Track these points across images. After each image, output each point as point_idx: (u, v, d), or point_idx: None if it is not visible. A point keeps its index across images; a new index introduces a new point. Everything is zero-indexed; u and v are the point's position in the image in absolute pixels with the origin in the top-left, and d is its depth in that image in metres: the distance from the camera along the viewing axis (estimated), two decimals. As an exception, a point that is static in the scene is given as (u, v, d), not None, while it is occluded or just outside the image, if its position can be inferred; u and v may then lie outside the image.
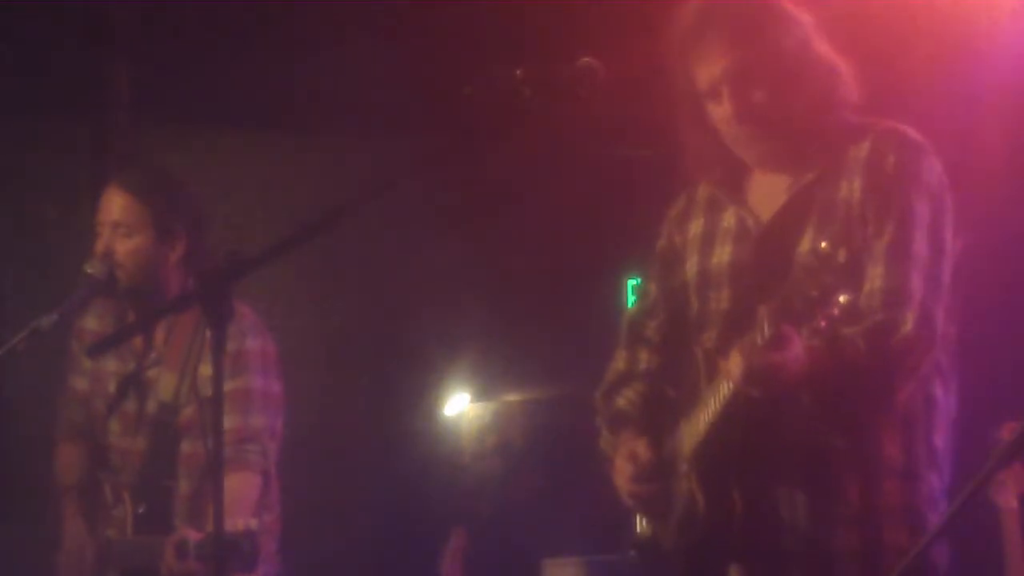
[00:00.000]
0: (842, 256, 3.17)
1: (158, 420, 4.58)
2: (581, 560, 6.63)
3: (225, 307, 3.14)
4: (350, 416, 7.03)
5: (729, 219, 3.71)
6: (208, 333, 3.15)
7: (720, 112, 3.60)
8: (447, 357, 7.39)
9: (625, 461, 3.71)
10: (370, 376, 7.19)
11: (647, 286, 3.93)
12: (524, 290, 7.23)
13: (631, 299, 6.91)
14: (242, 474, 4.47)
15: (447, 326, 7.28)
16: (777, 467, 3.51)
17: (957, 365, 3.63)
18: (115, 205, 4.57)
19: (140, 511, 4.51)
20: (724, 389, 3.41)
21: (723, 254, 3.68)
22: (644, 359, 3.88)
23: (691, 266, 3.76)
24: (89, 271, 4.51)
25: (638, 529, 3.84)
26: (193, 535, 4.21)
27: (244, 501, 4.40)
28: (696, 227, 3.78)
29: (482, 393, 7.52)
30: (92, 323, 4.72)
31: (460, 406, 7.51)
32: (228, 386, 4.38)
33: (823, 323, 3.18)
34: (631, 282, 7.06)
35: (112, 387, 4.67)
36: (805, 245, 3.50)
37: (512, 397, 7.52)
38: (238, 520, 4.04)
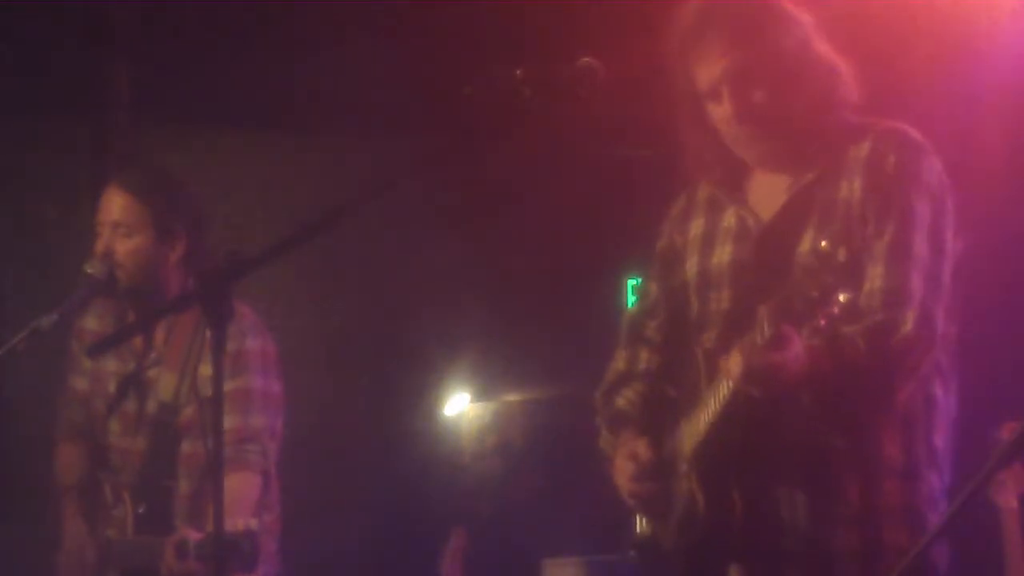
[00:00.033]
0: (842, 255, 3.17)
1: (158, 420, 4.58)
2: (581, 560, 6.63)
3: (225, 307, 3.14)
4: (350, 416, 7.03)
5: (729, 219, 3.71)
6: (208, 333, 3.15)
7: (720, 112, 3.60)
8: (447, 357, 7.39)
9: (626, 460, 3.71)
10: (370, 376, 7.19)
11: (647, 286, 3.94)
12: (524, 290, 7.23)
13: (631, 299, 6.91)
14: (242, 474, 4.47)
15: (447, 326, 7.28)
16: (777, 467, 3.51)
17: (957, 365, 3.63)
18: (115, 205, 4.57)
19: (140, 511, 4.51)
20: (724, 389, 3.41)
21: (723, 254, 3.68)
22: (644, 359, 3.88)
23: (691, 266, 3.76)
24: (89, 271, 4.51)
25: (638, 529, 3.84)
26: (193, 535, 4.21)
27: (244, 501, 4.40)
28: (696, 227, 3.78)
29: (482, 393, 7.52)
30: (92, 323, 4.72)
31: (460, 406, 7.51)
32: (228, 386, 4.38)
33: (823, 322, 3.19)
34: (631, 282, 7.06)
35: (112, 387, 4.67)
36: (805, 245, 3.50)
37: (512, 397, 7.52)
38: (238, 520, 4.04)
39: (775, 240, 3.59)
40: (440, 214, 7.04)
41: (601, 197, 7.11)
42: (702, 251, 3.74)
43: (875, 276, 3.45)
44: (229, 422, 4.35)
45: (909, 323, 3.41)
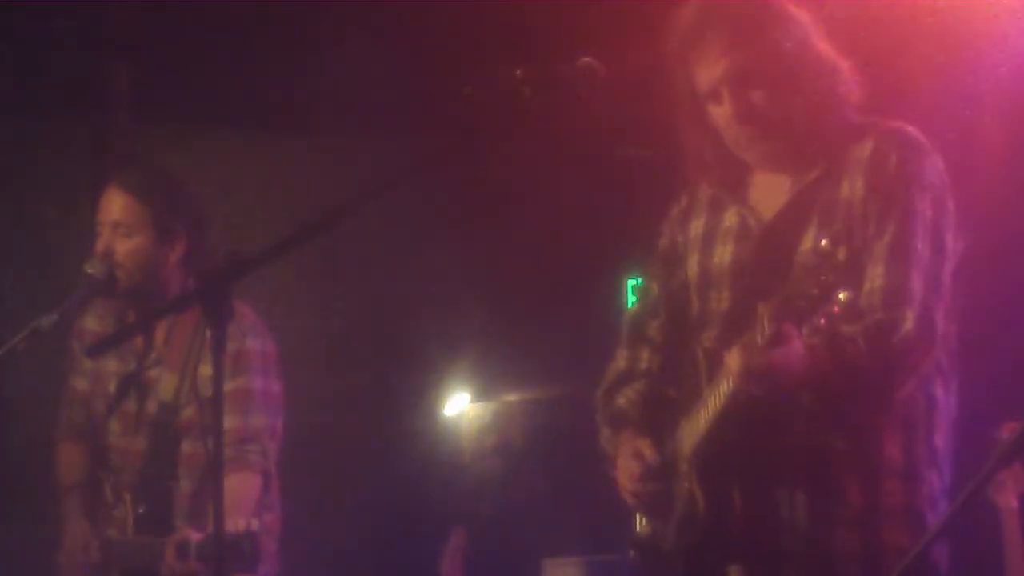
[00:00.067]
0: (843, 254, 3.17)
1: (158, 420, 4.58)
2: (581, 560, 6.63)
3: (225, 307, 3.14)
4: (350, 416, 7.03)
5: (731, 218, 3.71)
6: (208, 333, 3.15)
7: (720, 113, 3.60)
8: (447, 357, 7.39)
9: (630, 460, 3.71)
10: (370, 376, 7.19)
11: (648, 285, 3.93)
12: (524, 290, 7.23)
13: (631, 299, 6.91)
14: (242, 474, 4.47)
15: (447, 326, 7.28)
16: (777, 467, 3.51)
17: (957, 365, 3.63)
18: (115, 205, 4.58)
19: (140, 511, 4.52)
20: (725, 387, 3.41)
21: (724, 253, 3.68)
22: (645, 358, 3.88)
23: (692, 265, 3.76)
24: (89, 271, 4.51)
25: (638, 529, 3.84)
26: (194, 535, 4.21)
27: (244, 501, 4.41)
28: (697, 226, 3.78)
29: (482, 393, 7.52)
30: (92, 323, 4.72)
31: (460, 406, 7.51)
32: (228, 386, 4.39)
33: (823, 321, 3.19)
34: (631, 282, 7.05)
35: (112, 387, 4.67)
36: (806, 244, 3.50)
37: (512, 397, 7.52)
38: (239, 520, 4.05)
39: (776, 239, 3.59)
40: (440, 214, 7.04)
41: (601, 197, 7.11)
42: (703, 250, 3.74)
43: (875, 276, 3.45)
44: (229, 422, 4.35)
45: (909, 323, 3.41)
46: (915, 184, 3.52)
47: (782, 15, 3.60)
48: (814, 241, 3.41)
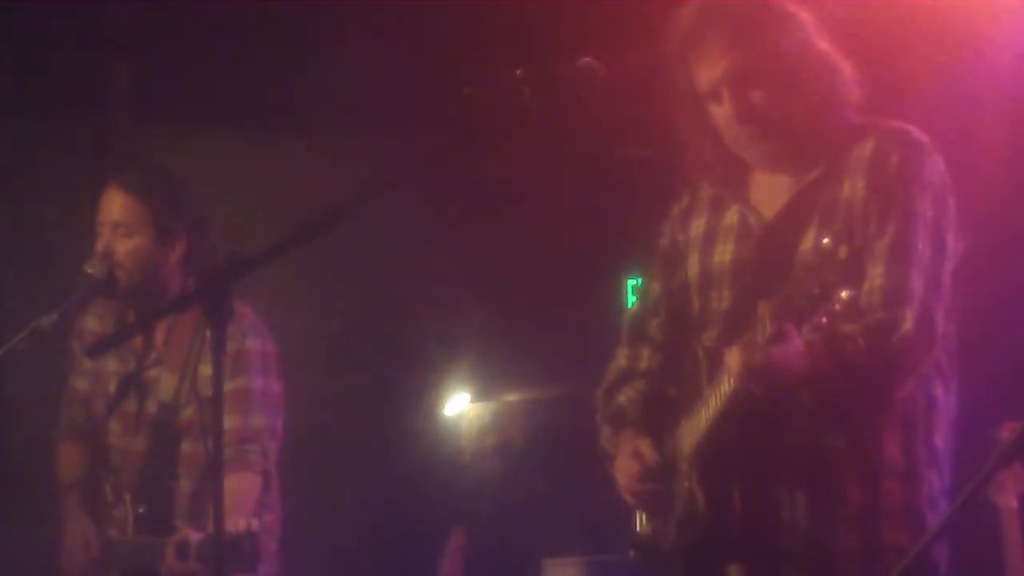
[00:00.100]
0: (844, 253, 3.18)
1: (158, 420, 4.58)
2: (581, 560, 6.63)
3: (225, 307, 3.14)
4: (350, 416, 7.03)
5: (732, 217, 3.71)
6: (208, 333, 3.15)
7: (721, 112, 3.60)
8: (447, 357, 7.38)
9: (630, 459, 3.71)
10: (370, 376, 7.19)
11: (649, 285, 3.93)
12: (524, 290, 7.22)
13: (631, 299, 6.91)
14: (242, 474, 4.48)
15: (447, 326, 7.27)
16: (777, 467, 3.51)
17: (957, 365, 3.63)
18: (115, 205, 4.58)
19: (141, 511, 4.52)
20: (725, 386, 3.41)
21: (725, 252, 3.68)
22: (646, 357, 3.88)
23: (693, 264, 3.76)
24: (89, 271, 4.51)
25: (638, 528, 3.84)
26: (194, 535, 4.22)
27: (244, 501, 4.41)
28: (698, 225, 3.78)
29: (482, 393, 7.51)
30: (92, 323, 4.72)
31: (460, 406, 7.50)
32: (228, 386, 4.39)
33: (825, 319, 3.19)
34: (631, 282, 7.05)
35: (112, 387, 4.67)
36: (807, 243, 3.50)
37: (512, 397, 7.51)
38: (239, 520, 4.05)
39: (777, 239, 3.59)
40: (440, 214, 7.03)
41: (601, 197, 7.10)
42: (703, 249, 3.74)
43: (875, 275, 3.45)
44: (229, 422, 4.35)
45: (909, 322, 3.41)
46: (916, 184, 3.52)
47: (782, 15, 3.59)
48: (815, 240, 3.42)
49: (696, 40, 3.59)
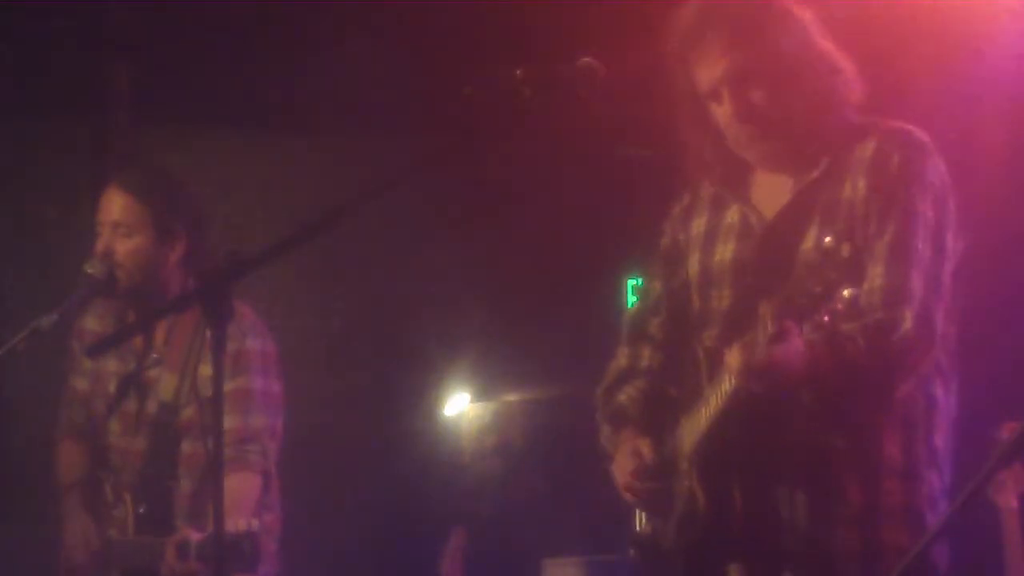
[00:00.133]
0: (846, 251, 3.17)
1: (158, 420, 4.58)
2: (581, 560, 6.63)
3: (225, 307, 3.14)
4: (350, 416, 7.03)
5: (733, 216, 3.71)
6: (208, 333, 3.15)
7: (721, 112, 3.60)
8: (447, 357, 7.39)
9: (627, 457, 3.72)
10: (370, 376, 7.19)
11: (650, 284, 3.93)
12: (524, 290, 7.22)
13: (631, 299, 6.91)
14: (242, 474, 4.47)
15: (447, 326, 7.28)
16: (778, 466, 3.51)
17: (957, 365, 3.63)
18: (115, 205, 4.58)
19: (141, 511, 4.52)
20: (726, 385, 3.41)
21: (726, 251, 3.68)
22: (646, 356, 3.88)
23: (693, 263, 3.75)
24: (89, 271, 4.51)
25: (638, 527, 3.84)
26: (194, 536, 4.22)
27: (244, 501, 4.41)
28: (699, 224, 3.78)
29: (482, 393, 7.52)
30: (92, 323, 4.72)
31: (460, 406, 7.51)
32: (228, 386, 4.39)
33: (826, 318, 3.19)
34: (631, 282, 7.05)
35: (112, 387, 4.67)
36: (809, 242, 3.50)
37: (512, 397, 7.51)
38: (239, 520, 4.05)
39: (778, 238, 3.59)
40: (440, 214, 7.04)
41: (601, 197, 7.11)
42: (704, 248, 3.74)
43: (875, 275, 3.45)
44: (229, 422, 4.35)
45: (908, 322, 3.41)
46: (917, 184, 3.52)
47: (783, 14, 3.59)
48: (816, 239, 3.42)
49: (696, 40, 3.59)
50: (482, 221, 7.10)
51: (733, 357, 3.34)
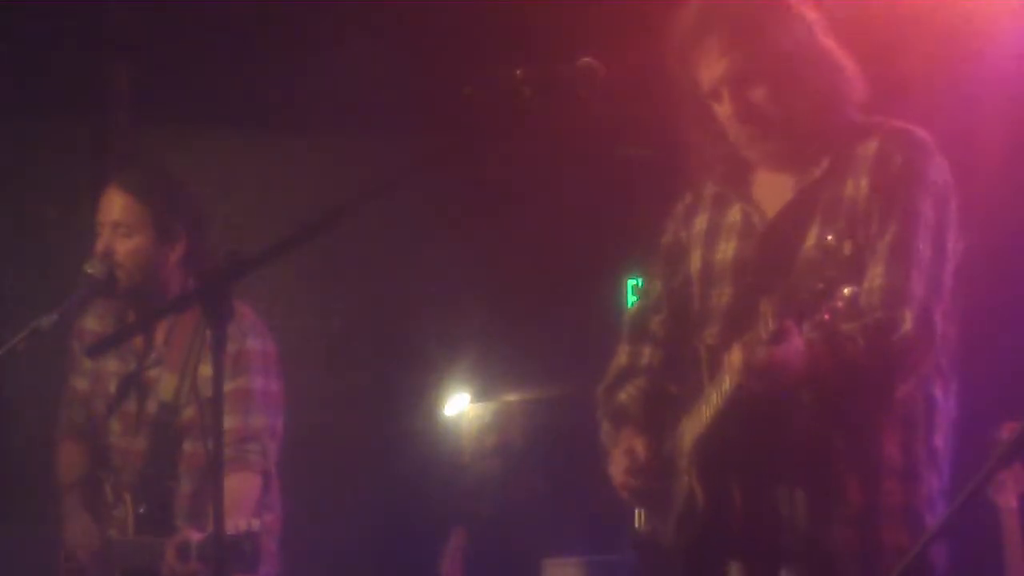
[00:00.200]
0: (847, 249, 3.17)
1: (158, 420, 4.58)
2: (581, 560, 6.63)
3: (225, 307, 3.14)
4: (350, 416, 7.03)
5: (734, 215, 3.71)
6: (208, 333, 3.15)
7: (722, 112, 3.60)
8: (447, 357, 7.39)
9: (622, 455, 3.72)
10: (370, 376, 7.19)
11: (651, 282, 3.93)
12: (524, 290, 7.23)
13: (631, 299, 6.91)
14: (242, 474, 4.48)
15: (447, 326, 7.28)
16: (777, 465, 3.51)
17: (957, 366, 3.63)
18: (115, 205, 4.58)
19: (141, 511, 4.52)
20: (726, 384, 3.41)
21: (727, 249, 3.68)
22: (647, 354, 3.88)
23: (695, 260, 3.75)
24: (89, 271, 4.51)
25: (637, 526, 3.84)
26: (195, 536, 4.21)
27: (245, 501, 4.41)
28: (701, 222, 3.78)
29: (482, 393, 7.52)
30: (92, 323, 4.72)
31: (460, 406, 7.51)
32: (228, 386, 4.38)
33: (827, 316, 3.19)
34: (631, 282, 7.05)
35: (112, 387, 4.67)
36: (810, 241, 3.50)
37: (512, 397, 7.52)
38: (239, 520, 4.05)
39: (779, 237, 3.59)
40: (440, 214, 7.04)
41: (601, 197, 7.11)
42: (706, 246, 3.74)
43: (876, 275, 3.45)
44: (229, 422, 4.35)
45: (908, 322, 3.41)
46: (919, 185, 3.52)
47: (785, 13, 3.58)
48: (818, 237, 3.42)
49: (696, 40, 3.59)
50: (482, 221, 7.10)
51: (734, 356, 3.34)
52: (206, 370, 4.47)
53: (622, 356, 3.92)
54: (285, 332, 4.95)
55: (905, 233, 3.47)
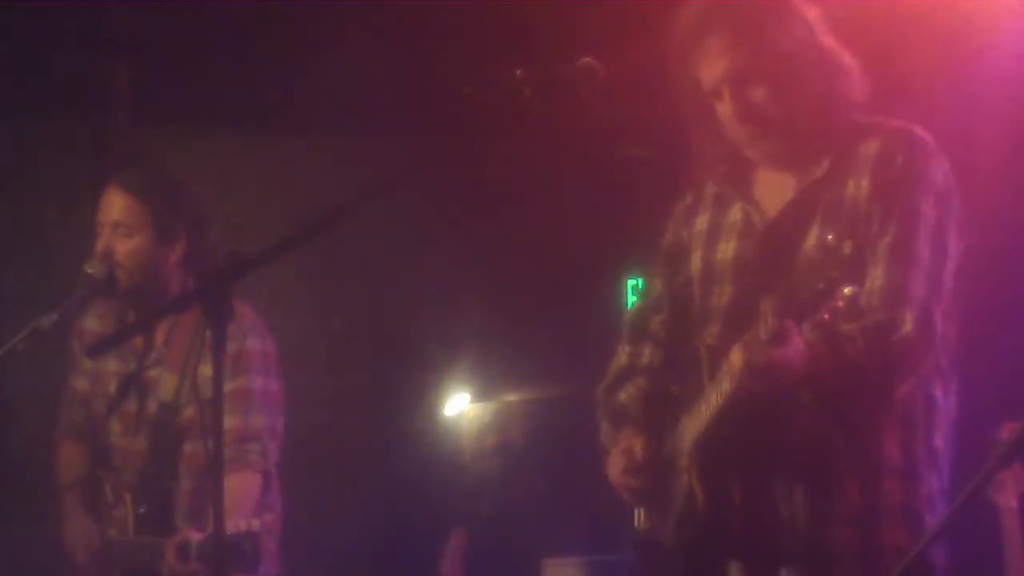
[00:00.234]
0: (848, 249, 3.18)
1: (158, 420, 4.58)
2: (581, 560, 6.63)
3: (225, 307, 3.14)
4: (350, 416, 7.03)
5: (735, 214, 3.71)
6: (208, 333, 3.15)
7: (723, 111, 3.60)
8: (447, 357, 7.39)
9: (619, 454, 3.72)
10: (370, 376, 7.19)
11: (652, 281, 3.93)
12: (524, 290, 7.23)
13: (631, 299, 6.91)
14: (243, 474, 4.48)
15: (447, 326, 7.28)
16: (777, 465, 3.52)
17: (957, 366, 3.63)
18: (115, 205, 4.58)
19: (141, 511, 4.52)
20: (726, 383, 3.41)
21: (728, 249, 3.68)
22: (647, 354, 3.88)
23: (696, 260, 3.75)
24: (89, 271, 4.51)
25: (637, 525, 3.84)
26: (195, 536, 4.21)
27: (245, 501, 4.41)
28: (702, 222, 3.78)
29: (482, 393, 7.52)
30: (92, 323, 4.72)
31: (460, 406, 7.51)
32: (228, 386, 4.39)
33: (827, 316, 3.19)
34: (631, 282, 7.05)
35: (113, 387, 4.67)
36: (811, 240, 3.50)
37: (512, 397, 7.52)
38: (239, 520, 4.05)
39: (780, 236, 3.59)
40: (440, 214, 7.04)
41: (601, 197, 7.11)
42: (706, 245, 3.74)
43: (876, 275, 3.45)
44: (229, 422, 4.35)
45: (908, 323, 3.41)
46: (920, 185, 3.52)
47: (786, 12, 3.58)
48: (818, 238, 3.42)
49: (697, 40, 3.59)
50: (482, 221, 7.10)
51: (734, 356, 3.34)
52: (206, 370, 4.47)
53: (622, 356, 3.92)
54: (285, 332, 4.95)
55: (905, 233, 3.47)
